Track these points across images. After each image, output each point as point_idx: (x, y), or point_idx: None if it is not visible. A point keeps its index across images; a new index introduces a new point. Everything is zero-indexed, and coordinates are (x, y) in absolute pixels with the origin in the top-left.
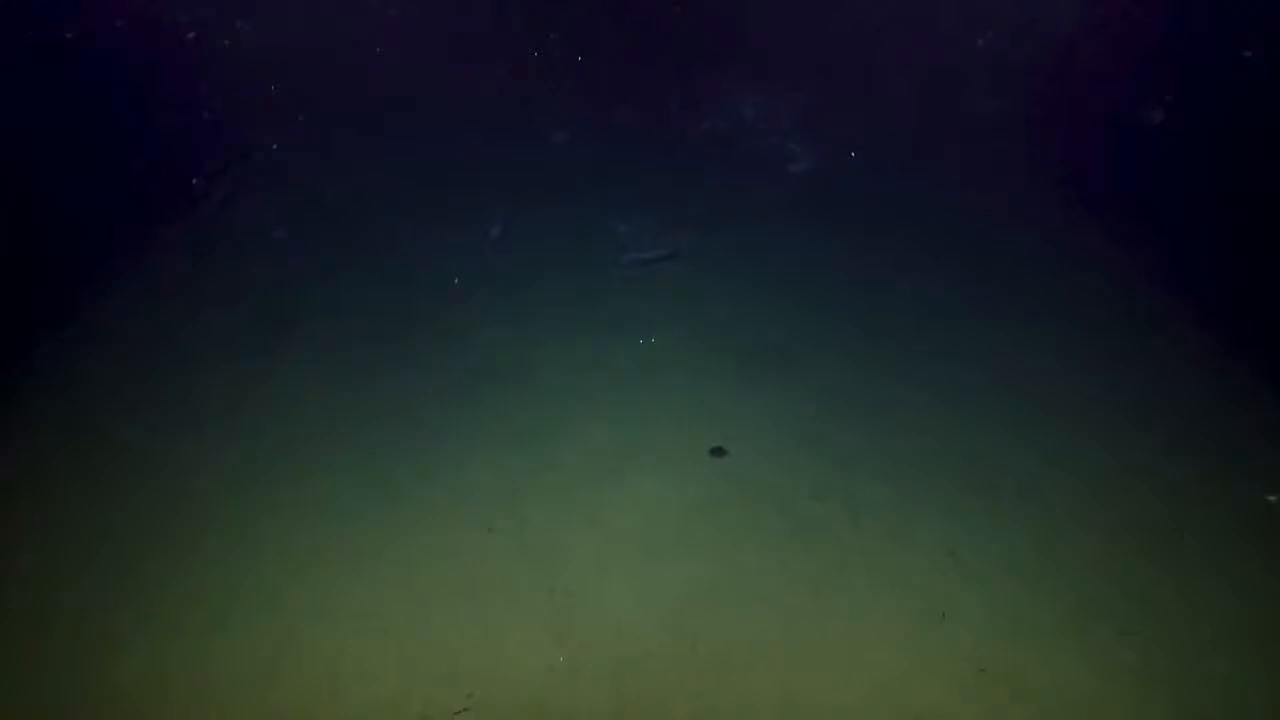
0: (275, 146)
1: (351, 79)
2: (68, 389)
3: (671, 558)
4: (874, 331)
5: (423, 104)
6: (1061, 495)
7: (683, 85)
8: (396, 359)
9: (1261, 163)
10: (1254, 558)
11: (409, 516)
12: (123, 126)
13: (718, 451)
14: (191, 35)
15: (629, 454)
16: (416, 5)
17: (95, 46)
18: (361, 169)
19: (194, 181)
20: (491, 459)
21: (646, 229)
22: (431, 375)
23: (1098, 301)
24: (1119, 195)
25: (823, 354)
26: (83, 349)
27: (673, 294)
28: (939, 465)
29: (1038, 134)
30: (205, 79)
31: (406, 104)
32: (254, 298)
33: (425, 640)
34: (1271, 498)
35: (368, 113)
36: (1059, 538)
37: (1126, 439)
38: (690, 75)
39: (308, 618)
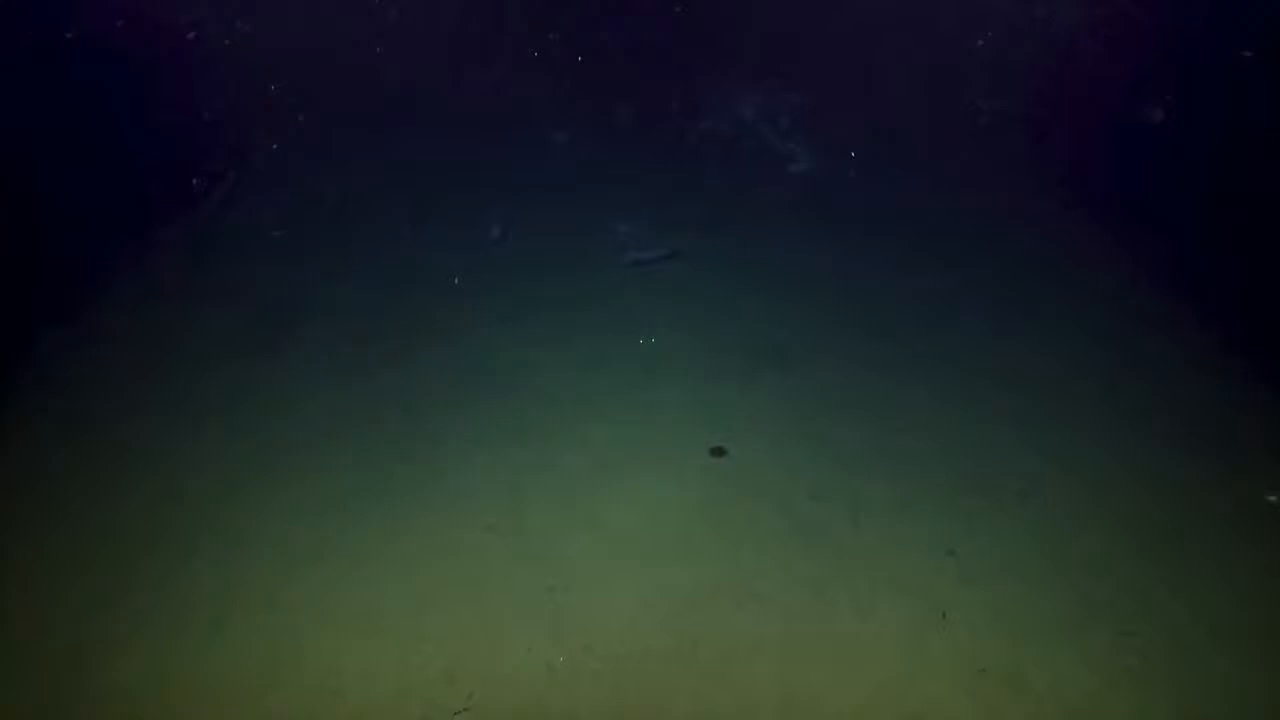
0: (275, 146)
1: (351, 79)
2: (68, 389)
3: (671, 558)
4: (874, 331)
5: (423, 104)
6: (1061, 495)
7: (683, 85)
8: (396, 359)
9: (1261, 163)
10: (1254, 558)
11: (409, 516)
12: (123, 126)
13: (718, 451)
14: (191, 35)
15: (629, 454)
16: (416, 5)
17: (95, 46)
18: (361, 169)
19: (194, 181)
20: (491, 459)
21: (646, 229)
22: (431, 375)
23: (1097, 301)
24: (1119, 195)
25: (823, 354)
26: (83, 349)
27: (673, 294)
28: (939, 465)
29: (1038, 134)
30: (205, 79)
31: (406, 104)
32: (254, 298)
33: (425, 640)
34: (1271, 498)
35: (368, 113)
36: (1059, 538)
37: (1126, 439)
38: (690, 75)
39: (308, 618)
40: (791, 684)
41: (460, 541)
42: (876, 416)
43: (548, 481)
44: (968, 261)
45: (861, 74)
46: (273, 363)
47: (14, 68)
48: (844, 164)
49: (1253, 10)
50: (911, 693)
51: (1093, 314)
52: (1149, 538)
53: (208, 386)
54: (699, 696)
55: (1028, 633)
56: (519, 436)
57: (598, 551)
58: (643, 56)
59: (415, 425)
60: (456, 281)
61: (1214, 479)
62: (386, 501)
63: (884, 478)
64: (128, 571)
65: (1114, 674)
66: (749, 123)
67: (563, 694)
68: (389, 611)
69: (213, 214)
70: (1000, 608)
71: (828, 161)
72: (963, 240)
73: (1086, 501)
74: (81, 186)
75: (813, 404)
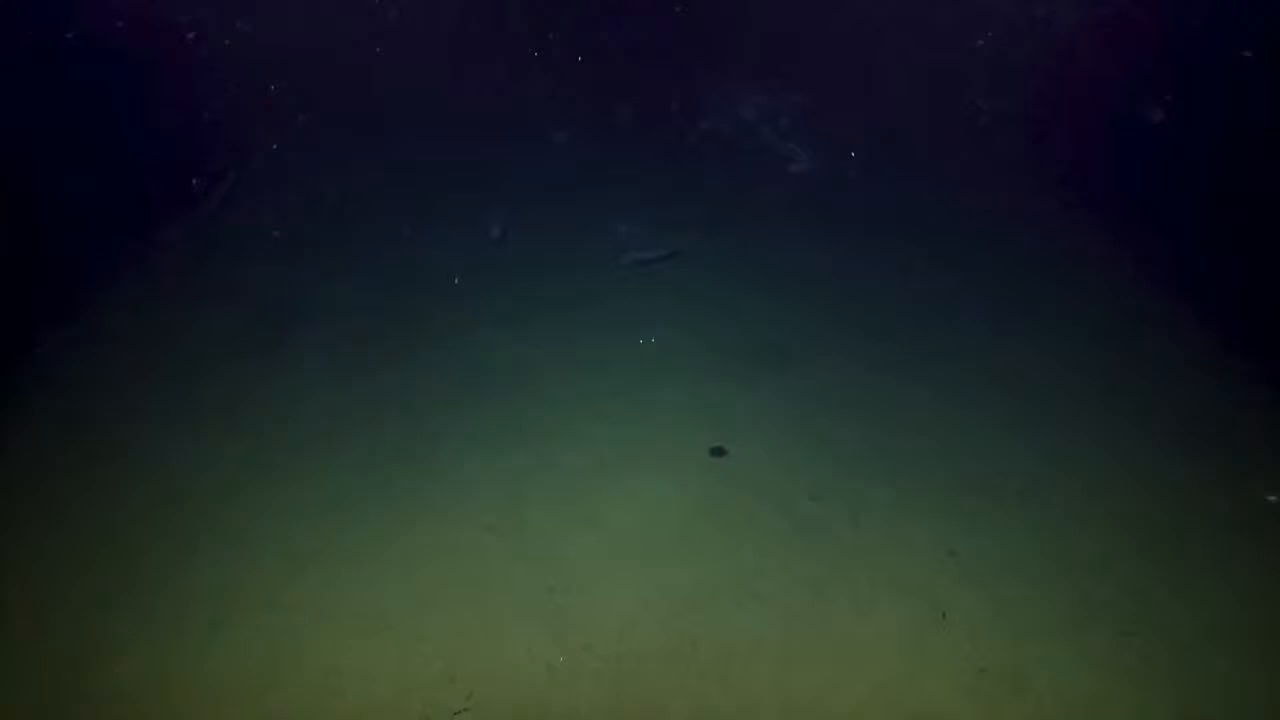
0: (275, 146)
1: (351, 79)
2: (68, 389)
3: (671, 558)
4: (874, 331)
5: (423, 104)
6: (1061, 495)
7: (683, 85)
8: (396, 359)
9: (1261, 163)
10: (1254, 558)
11: (409, 516)
12: (123, 126)
13: (718, 451)
14: (191, 35)
15: (629, 454)
16: (416, 5)
17: (95, 46)
18: (361, 169)
19: (194, 181)
20: (491, 459)
21: (646, 229)
22: (431, 375)
23: (1097, 301)
24: (1119, 195)
25: (823, 354)
26: (83, 349)
27: (673, 294)
28: (939, 465)
29: (1038, 134)
30: (205, 79)
31: (406, 104)
32: (254, 298)
33: (425, 640)
34: (1271, 498)
35: (368, 113)
36: (1059, 538)
37: (1126, 439)
38: (690, 75)
39: (308, 618)
40: (791, 684)
41: (460, 541)
42: (876, 416)
43: (548, 481)
44: (968, 261)
45: (861, 74)
46: (273, 363)
47: (14, 68)
48: (844, 164)
49: (1253, 10)
50: (911, 693)
51: (1093, 314)
52: (1149, 538)
53: (208, 386)
54: (699, 696)
55: (1028, 633)
56: (519, 436)
57: (598, 551)
58: (643, 56)
59: (415, 425)
60: (457, 281)
61: (1214, 479)
62: (386, 501)
63: (884, 478)
64: (128, 571)
65: (1114, 674)
66: (749, 123)
67: (563, 694)
68: (389, 611)
69: (213, 214)
70: (1000, 608)
71: (828, 161)
72: (963, 240)
73: (1086, 501)
74: (81, 186)
75: (813, 404)
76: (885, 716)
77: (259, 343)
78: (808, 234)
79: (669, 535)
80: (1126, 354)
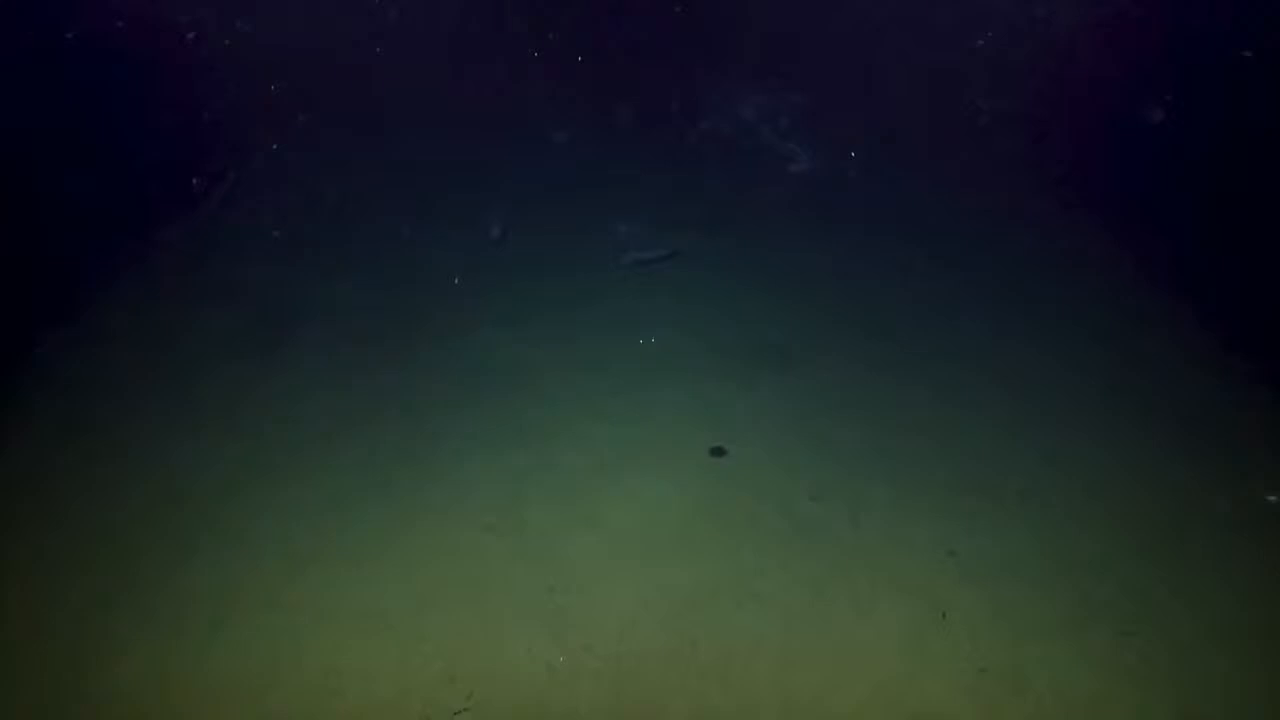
0: (275, 146)
1: (351, 79)
2: (68, 389)
3: (671, 558)
4: (874, 331)
5: (423, 104)
6: (1061, 495)
7: (683, 85)
8: (396, 359)
9: (1261, 163)
10: (1254, 558)
11: (409, 516)
12: (123, 126)
13: (718, 451)
14: (191, 35)
15: (629, 454)
16: (416, 5)
17: (95, 46)
18: (361, 169)
19: (194, 181)
20: (491, 459)
21: (646, 229)
22: (431, 375)
23: (1097, 301)
24: (1119, 195)
25: (823, 354)
26: (83, 349)
27: (673, 294)
28: (939, 465)
29: (1038, 134)
30: (205, 79)
31: (406, 104)
32: (254, 298)
33: (425, 640)
34: (1271, 498)
35: (368, 113)
36: (1059, 538)
37: (1126, 439)
38: (690, 75)
39: (308, 618)
40: (791, 684)
41: (460, 541)
42: (876, 416)
43: (548, 481)
44: (968, 261)
45: (861, 74)
46: (273, 363)
47: (14, 68)
48: (844, 164)
49: (1253, 10)
50: (911, 693)
51: (1093, 314)
52: (1149, 538)
53: (208, 386)
54: (699, 696)
55: (1028, 633)
56: (519, 436)
57: (598, 551)
58: (643, 56)
59: (415, 425)
60: (456, 281)
61: (1214, 479)
62: (386, 501)
63: (884, 478)
64: (128, 571)
65: (1114, 674)
66: (749, 123)
67: (563, 694)
68: (389, 611)
69: (213, 214)
70: (1000, 608)
71: (828, 161)
72: (963, 240)
73: (1086, 501)
74: (81, 186)
75: (813, 404)
76: (885, 716)
77: (259, 343)
78: (808, 234)
79: (669, 535)
80: (1126, 354)
